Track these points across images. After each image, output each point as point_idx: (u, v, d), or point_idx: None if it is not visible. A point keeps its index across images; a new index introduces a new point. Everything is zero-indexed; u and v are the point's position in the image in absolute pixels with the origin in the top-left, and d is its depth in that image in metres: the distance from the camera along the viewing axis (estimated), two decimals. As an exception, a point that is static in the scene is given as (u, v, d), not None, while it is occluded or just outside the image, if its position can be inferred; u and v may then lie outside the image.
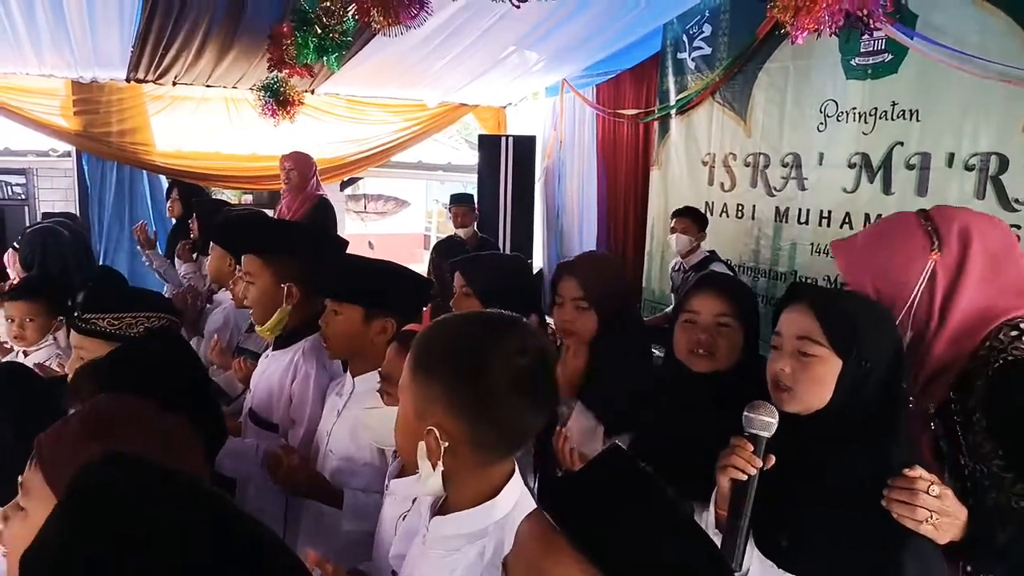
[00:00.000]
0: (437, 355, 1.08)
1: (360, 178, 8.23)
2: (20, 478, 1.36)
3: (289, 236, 2.43)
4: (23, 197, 7.60)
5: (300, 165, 4.91)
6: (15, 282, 3.13)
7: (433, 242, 12.10)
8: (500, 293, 2.14)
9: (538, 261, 6.69)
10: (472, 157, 7.73)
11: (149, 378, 1.28)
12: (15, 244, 3.42)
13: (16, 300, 2.71)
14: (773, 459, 1.31)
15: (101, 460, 0.70)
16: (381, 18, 2.89)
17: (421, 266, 5.83)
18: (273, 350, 2.28)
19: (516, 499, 1.10)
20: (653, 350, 2.53)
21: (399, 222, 12.33)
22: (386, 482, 1.54)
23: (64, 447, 1.01)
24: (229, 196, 7.11)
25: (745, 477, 1.30)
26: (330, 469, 1.93)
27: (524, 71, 5.81)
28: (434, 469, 1.05)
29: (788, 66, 4.22)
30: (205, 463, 1.14)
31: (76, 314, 1.86)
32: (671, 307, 4.84)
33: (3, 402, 1.78)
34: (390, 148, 6.71)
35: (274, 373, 2.20)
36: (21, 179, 7.54)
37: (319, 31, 3.52)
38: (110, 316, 1.78)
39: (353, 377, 1.99)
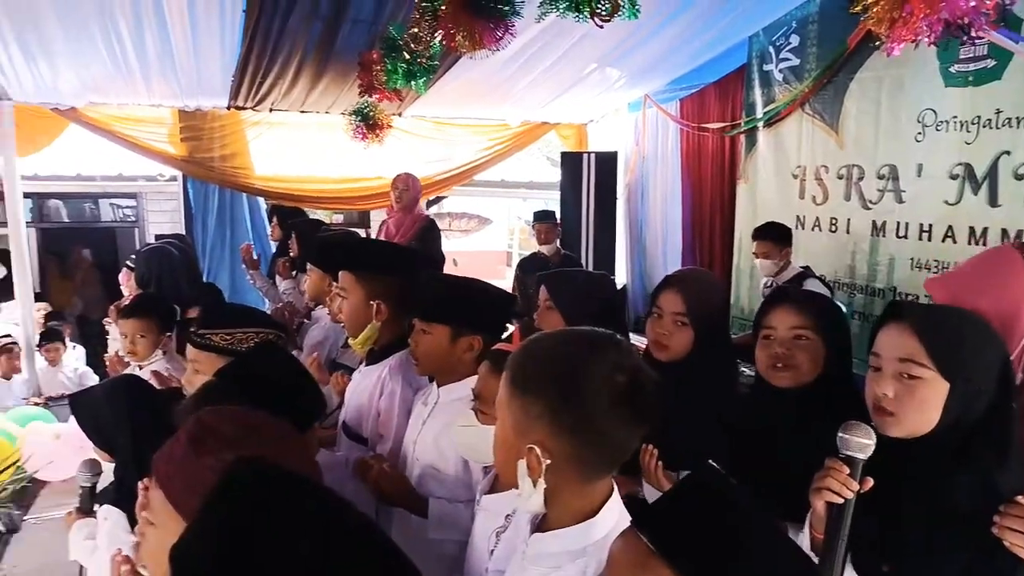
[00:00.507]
0: (536, 373, 1.09)
1: (444, 197, 8.40)
2: (140, 484, 1.46)
3: (380, 255, 2.50)
4: (133, 219, 8.16)
5: (412, 186, 5.04)
6: (129, 300, 3.36)
7: (515, 259, 12.22)
8: (584, 309, 2.15)
9: (620, 278, 6.65)
10: (554, 174, 7.78)
11: (254, 389, 1.36)
12: (129, 263, 3.68)
13: (129, 318, 2.91)
14: (871, 482, 1.26)
15: (240, 466, 0.75)
16: (467, 42, 2.95)
17: (503, 283, 5.88)
18: (365, 365, 2.35)
19: (616, 519, 1.10)
20: (743, 368, 2.49)
21: (482, 239, 12.50)
22: (477, 497, 1.57)
23: (176, 466, 1.08)
24: (323, 216, 7.40)
25: (841, 500, 1.26)
26: (416, 477, 1.97)
27: (606, 88, 5.82)
28: (535, 487, 1.05)
29: (882, 75, 4.08)
30: (315, 463, 1.18)
31: (192, 330, 1.98)
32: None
33: (123, 412, 1.92)
34: (474, 167, 6.84)
35: (364, 388, 2.27)
36: (132, 203, 8.08)
37: (407, 57, 3.64)
38: (223, 332, 1.89)
39: (439, 387, 2.03)
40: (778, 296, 1.78)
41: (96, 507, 1.96)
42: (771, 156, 4.99)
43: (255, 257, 4.60)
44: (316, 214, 7.20)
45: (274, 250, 5.33)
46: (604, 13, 2.46)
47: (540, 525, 1.15)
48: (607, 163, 6.36)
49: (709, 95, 5.60)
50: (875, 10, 2.03)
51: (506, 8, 2.78)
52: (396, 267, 2.32)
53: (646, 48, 4.83)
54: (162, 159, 6.03)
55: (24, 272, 5.38)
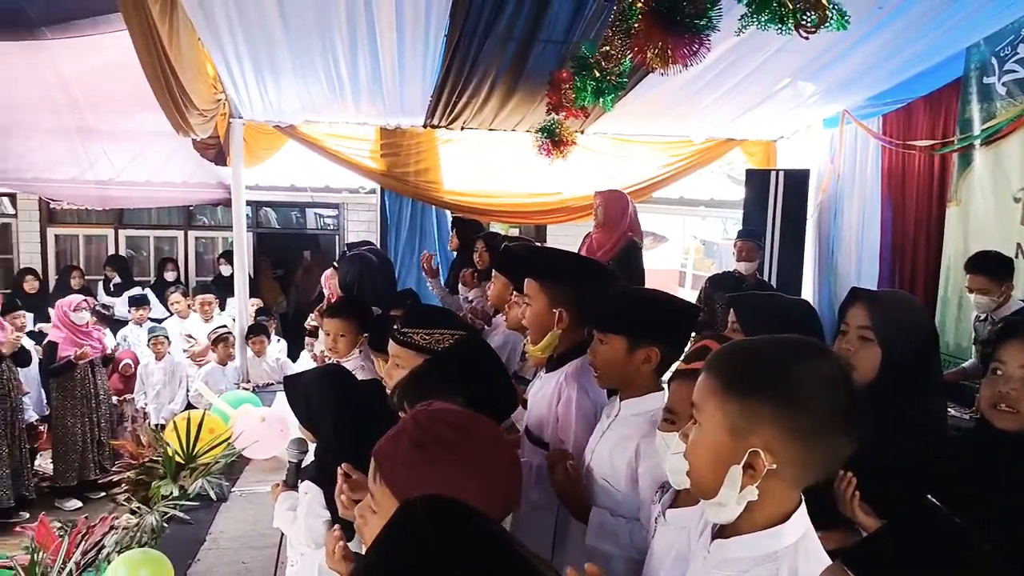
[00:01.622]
0: (758, 376, 1.07)
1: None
2: (339, 469, 1.58)
3: (563, 265, 2.54)
4: (333, 228, 8.92)
5: (607, 203, 4.95)
6: (333, 302, 3.67)
7: (689, 279, 11.93)
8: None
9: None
10: (735, 192, 7.53)
11: (457, 383, 1.44)
12: (336, 264, 4.02)
13: (333, 317, 3.18)
14: None
15: (420, 504, 0.78)
16: (658, 59, 2.93)
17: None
18: (545, 372, 2.40)
19: (804, 529, 1.08)
20: (948, 408, 2.28)
21: (656, 257, 12.30)
22: (657, 511, 1.56)
23: (400, 465, 1.16)
24: (499, 229, 7.67)
25: None
26: (587, 485, 1.98)
27: (799, 103, 5.55)
28: (742, 492, 1.04)
29: None
30: (517, 460, 1.22)
31: (395, 327, 2.13)
32: (968, 361, 4.29)
33: (328, 398, 2.09)
34: (654, 184, 6.78)
35: (544, 395, 2.31)
36: (334, 212, 8.85)
37: (597, 74, 3.68)
38: (423, 331, 2.02)
39: (621, 400, 2.02)
40: (1012, 329, 1.63)
41: (299, 482, 2.13)
42: (989, 177, 4.52)
43: (434, 267, 4.86)
44: (492, 227, 7.50)
45: (455, 257, 5.60)
46: (810, 25, 2.34)
47: (721, 531, 1.14)
48: (797, 181, 6.07)
49: (917, 110, 5.18)
50: None
51: (702, 23, 2.73)
52: (577, 277, 2.35)
53: (847, 60, 4.56)
54: (364, 173, 6.54)
55: (243, 272, 6.05)
